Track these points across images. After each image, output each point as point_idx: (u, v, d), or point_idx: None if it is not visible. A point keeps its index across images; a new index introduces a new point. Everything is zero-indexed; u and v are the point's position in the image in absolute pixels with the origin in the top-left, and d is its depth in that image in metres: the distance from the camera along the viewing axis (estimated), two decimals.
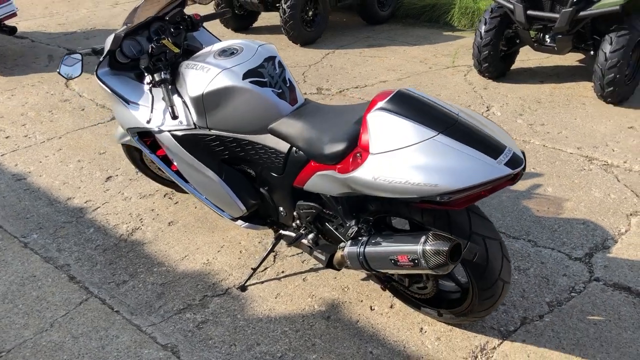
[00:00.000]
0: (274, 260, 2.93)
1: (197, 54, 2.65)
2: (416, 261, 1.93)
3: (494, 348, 2.36)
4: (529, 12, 4.72)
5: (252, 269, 2.77)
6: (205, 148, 2.56)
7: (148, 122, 2.61)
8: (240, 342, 2.43)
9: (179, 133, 2.57)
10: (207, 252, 3.01)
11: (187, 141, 2.57)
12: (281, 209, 2.58)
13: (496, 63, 5.27)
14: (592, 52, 4.91)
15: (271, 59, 2.48)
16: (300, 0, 6.31)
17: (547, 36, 4.92)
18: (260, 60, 2.44)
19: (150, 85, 2.58)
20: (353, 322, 2.52)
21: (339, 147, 2.11)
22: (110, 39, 2.66)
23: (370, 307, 2.60)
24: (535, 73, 5.61)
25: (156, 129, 2.62)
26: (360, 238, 2.20)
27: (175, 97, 2.57)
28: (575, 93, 5.07)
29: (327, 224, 2.47)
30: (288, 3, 6.26)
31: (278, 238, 2.69)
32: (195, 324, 2.53)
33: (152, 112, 2.60)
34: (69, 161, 4.00)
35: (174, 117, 2.42)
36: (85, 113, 4.81)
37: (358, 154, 2.03)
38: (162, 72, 2.51)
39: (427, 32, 7.27)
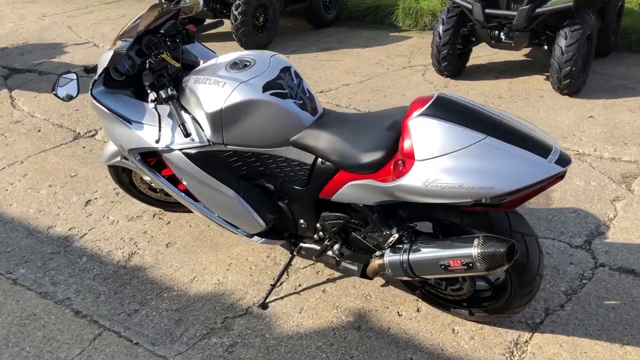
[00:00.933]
0: (288, 274, 2.86)
1: (201, 67, 2.55)
2: (470, 264, 1.95)
3: (527, 341, 2.41)
4: (487, 10, 4.89)
5: (270, 285, 2.69)
6: (221, 165, 2.46)
7: (157, 141, 2.48)
8: None
9: (192, 151, 2.45)
10: (216, 271, 2.90)
11: (201, 159, 2.46)
12: (302, 221, 2.53)
13: (454, 61, 5.42)
14: (545, 47, 5.15)
15: (287, 69, 2.43)
16: (251, 6, 6.23)
17: (502, 33, 5.10)
18: (277, 71, 2.38)
19: (155, 103, 2.46)
20: (385, 330, 2.50)
21: (376, 155, 2.09)
22: (107, 56, 2.50)
23: (398, 312, 2.59)
24: (488, 69, 5.81)
25: (165, 149, 2.50)
26: (401, 246, 2.19)
27: (183, 114, 2.46)
28: (531, 87, 5.30)
29: (353, 233, 2.44)
30: (239, 9, 6.16)
31: (298, 251, 2.63)
32: (225, 348, 2.43)
33: (160, 130, 2.47)
34: (39, 187, 3.74)
35: (187, 134, 2.32)
36: (43, 134, 4.52)
37: (400, 162, 2.02)
38: (169, 89, 2.40)
39: (374, 33, 7.37)
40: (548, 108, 4.76)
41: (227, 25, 7.08)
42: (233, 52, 2.56)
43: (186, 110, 2.46)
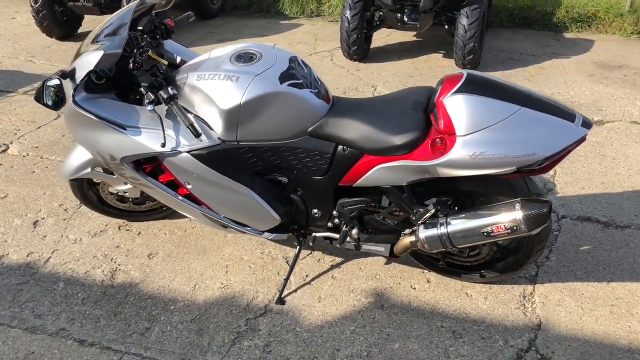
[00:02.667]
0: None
1: (194, 64, 2.42)
2: (515, 228, 2.11)
3: (532, 293, 2.65)
4: None
5: (284, 279, 2.66)
6: (234, 163, 2.36)
7: (163, 145, 2.31)
8: (320, 353, 2.35)
9: (203, 152, 2.33)
10: (215, 275, 2.79)
11: (213, 159, 2.34)
12: (315, 211, 2.52)
13: (362, 45, 5.62)
14: (446, 26, 5.52)
15: (294, 59, 2.39)
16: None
17: (405, 16, 5.37)
18: (287, 61, 2.34)
19: (154, 105, 2.29)
20: (406, 304, 2.60)
21: (411, 136, 2.15)
22: (91, 58, 2.26)
23: (411, 286, 2.70)
24: (389, 51, 6.10)
25: (171, 152, 2.34)
26: (435, 220, 2.29)
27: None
28: (434, 64, 5.66)
29: (371, 216, 2.49)
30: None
31: (312, 241, 2.62)
32: (261, 350, 2.37)
33: (164, 133, 2.31)
34: None
35: (198, 134, 2.20)
36: None
37: (438, 140, 2.11)
38: (169, 88, 2.24)
39: (264, 22, 7.34)
40: None
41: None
42: (226, 45, 2.46)
43: (187, 110, 2.32)
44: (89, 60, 2.26)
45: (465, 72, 2.17)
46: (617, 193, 3.40)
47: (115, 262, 2.88)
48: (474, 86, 2.09)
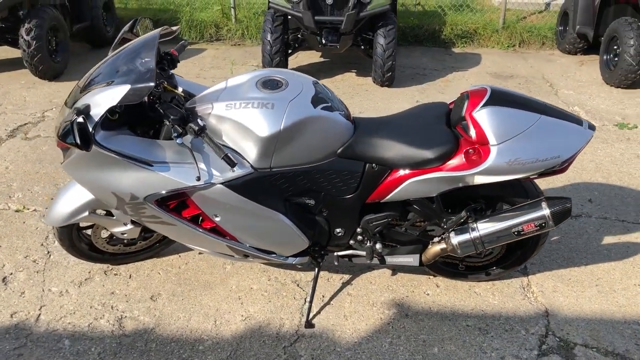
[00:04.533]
0: (303, 290, 2.84)
1: (211, 92, 2.36)
2: (543, 224, 2.33)
3: (528, 284, 2.91)
4: (316, 17, 5.29)
5: (309, 302, 2.66)
6: (268, 190, 2.34)
7: (198, 178, 2.22)
8: None
9: (237, 182, 2.28)
10: (232, 309, 2.71)
11: (246, 188, 2.30)
12: (338, 230, 2.57)
13: (285, 67, 5.70)
14: (362, 47, 5.80)
15: (316, 83, 2.44)
16: (44, 29, 5.49)
17: (326, 38, 5.57)
18: (312, 85, 2.39)
19: (182, 138, 2.19)
20: (427, 310, 2.73)
21: (444, 148, 2.30)
22: (114, 93, 2.11)
23: (425, 293, 2.84)
24: (305, 72, 6.22)
25: (204, 185, 2.26)
26: (465, 225, 2.45)
27: (204, 144, 2.28)
28: (352, 83, 5.92)
29: (395, 229, 2.60)
30: (32, 34, 5.39)
31: (336, 260, 2.66)
32: None
33: (197, 166, 2.22)
34: None
35: (233, 164, 2.17)
36: None
37: (470, 150, 2.28)
38: (198, 119, 2.17)
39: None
40: (383, 99, 5.42)
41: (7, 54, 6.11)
42: (243, 74, 2.43)
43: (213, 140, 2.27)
44: (111, 95, 2.12)
45: (488, 87, 2.37)
46: (559, 187, 3.82)
47: (117, 309, 2.68)
48: (499, 99, 2.29)
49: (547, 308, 2.75)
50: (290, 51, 5.84)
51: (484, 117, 2.25)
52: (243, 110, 2.23)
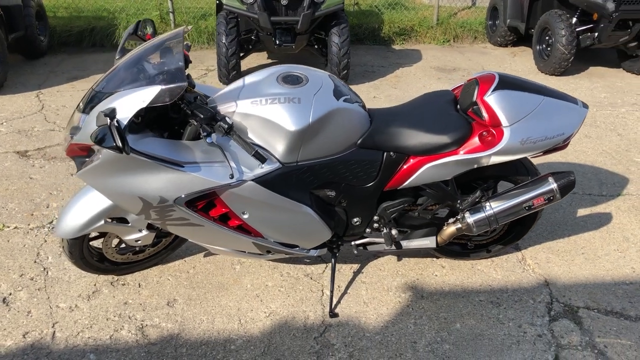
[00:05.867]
0: (317, 282, 2.89)
1: (231, 90, 2.37)
2: (551, 197, 2.52)
3: (523, 258, 3.11)
4: (272, 18, 5.32)
5: (330, 293, 2.72)
6: (295, 183, 2.38)
7: (231, 176, 2.22)
8: (403, 350, 2.48)
9: (267, 177, 2.30)
10: (253, 307, 2.71)
11: (274, 183, 2.33)
12: (356, 219, 2.64)
13: (239, 69, 5.69)
14: (316, 46, 5.89)
15: (332, 76, 2.50)
16: None
17: (281, 38, 5.61)
18: (329, 79, 2.44)
19: (211, 137, 2.19)
20: (440, 290, 2.85)
21: (460, 133, 2.43)
22: (143, 94, 2.07)
23: (433, 274, 2.97)
24: None
25: (236, 182, 2.26)
26: (478, 205, 2.59)
27: (231, 142, 2.29)
28: None
29: (409, 214, 2.70)
30: None
31: (356, 249, 2.73)
32: None
33: (230, 164, 2.22)
34: None
35: (263, 160, 2.19)
36: None
37: (484, 132, 2.42)
38: (227, 118, 2.18)
39: (107, 56, 6.97)
40: None
41: None
42: (259, 71, 2.45)
43: (241, 137, 2.28)
44: (140, 97, 2.09)
45: (496, 73, 2.52)
46: None
47: (135, 319, 2.62)
48: (507, 83, 2.45)
49: (546, 278, 2.95)
50: (242, 54, 5.82)
51: (495, 101, 2.40)
52: (270, 106, 2.26)
